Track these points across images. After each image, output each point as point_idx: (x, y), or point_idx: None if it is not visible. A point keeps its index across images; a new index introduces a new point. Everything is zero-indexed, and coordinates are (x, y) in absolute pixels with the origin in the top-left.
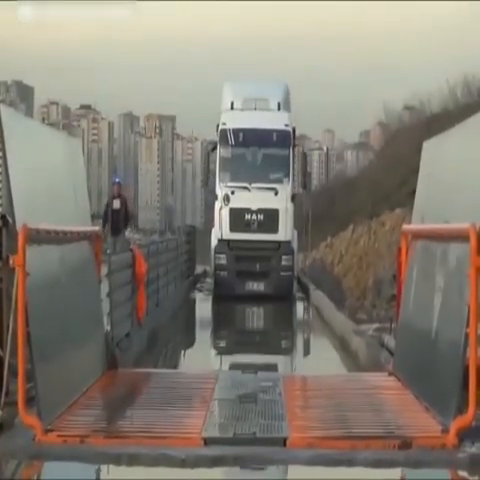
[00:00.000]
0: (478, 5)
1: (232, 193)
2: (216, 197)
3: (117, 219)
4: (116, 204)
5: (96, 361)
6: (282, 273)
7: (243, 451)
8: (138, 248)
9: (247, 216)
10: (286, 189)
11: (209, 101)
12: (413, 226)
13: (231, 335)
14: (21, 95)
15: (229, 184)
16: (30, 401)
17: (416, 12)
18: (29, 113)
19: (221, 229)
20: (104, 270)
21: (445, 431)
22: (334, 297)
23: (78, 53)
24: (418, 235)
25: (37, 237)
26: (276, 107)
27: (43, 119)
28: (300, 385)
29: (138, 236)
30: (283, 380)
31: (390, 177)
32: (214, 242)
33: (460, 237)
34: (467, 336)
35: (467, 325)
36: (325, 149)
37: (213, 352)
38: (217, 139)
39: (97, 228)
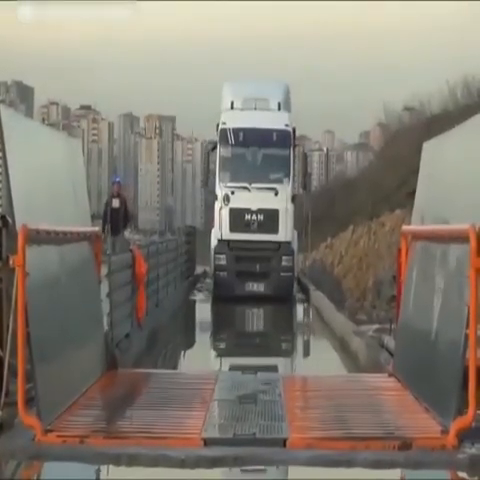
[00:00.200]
0: (478, 5)
1: (232, 193)
2: (216, 197)
3: (116, 218)
4: (115, 203)
5: (96, 361)
6: (282, 274)
7: (243, 452)
8: (138, 248)
9: (247, 216)
10: (286, 189)
11: (209, 101)
12: (413, 227)
13: (230, 337)
14: (21, 95)
15: (229, 184)
16: (30, 401)
17: (416, 12)
18: (29, 113)
19: (221, 229)
20: (104, 270)
21: (445, 432)
22: (334, 298)
23: (78, 53)
24: (418, 236)
25: (37, 237)
26: (276, 107)
27: (43, 119)
28: (300, 386)
29: (138, 236)
30: (283, 381)
31: (390, 178)
32: (214, 242)
33: (460, 238)
34: (467, 337)
35: (467, 326)
36: (325, 150)
37: (213, 354)
38: (217, 139)
39: (97, 228)
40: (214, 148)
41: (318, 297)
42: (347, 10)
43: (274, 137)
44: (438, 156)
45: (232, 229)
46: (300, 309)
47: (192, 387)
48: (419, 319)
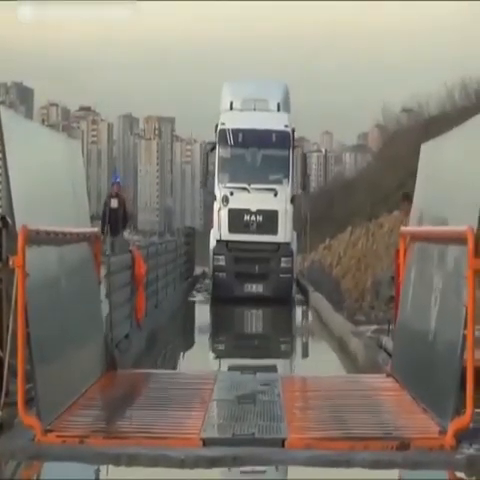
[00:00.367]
0: (478, 5)
1: (231, 194)
2: (215, 198)
3: (115, 219)
4: (114, 203)
5: (95, 362)
6: (281, 275)
7: (242, 452)
8: (137, 249)
9: (246, 217)
10: (285, 190)
11: (209, 101)
12: (411, 228)
13: (229, 338)
14: (21, 97)
15: (228, 185)
16: (30, 402)
17: (416, 12)
18: (29, 115)
19: (220, 230)
20: (104, 271)
21: (443, 432)
22: (332, 299)
23: (78, 53)
24: (416, 237)
25: (37, 238)
26: (276, 108)
27: (43, 121)
28: (298, 386)
29: (137, 237)
30: (281, 381)
31: (388, 179)
32: (213, 243)
33: (458, 239)
34: (465, 338)
35: (465, 327)
36: (323, 151)
37: (211, 355)
38: (216, 139)
39: (96, 229)
40: (213, 149)
41: (317, 298)
42: (347, 10)
43: (273, 138)
44: (436, 158)
45: (231, 230)
46: (299, 310)
47: (191, 387)
48: (417, 320)
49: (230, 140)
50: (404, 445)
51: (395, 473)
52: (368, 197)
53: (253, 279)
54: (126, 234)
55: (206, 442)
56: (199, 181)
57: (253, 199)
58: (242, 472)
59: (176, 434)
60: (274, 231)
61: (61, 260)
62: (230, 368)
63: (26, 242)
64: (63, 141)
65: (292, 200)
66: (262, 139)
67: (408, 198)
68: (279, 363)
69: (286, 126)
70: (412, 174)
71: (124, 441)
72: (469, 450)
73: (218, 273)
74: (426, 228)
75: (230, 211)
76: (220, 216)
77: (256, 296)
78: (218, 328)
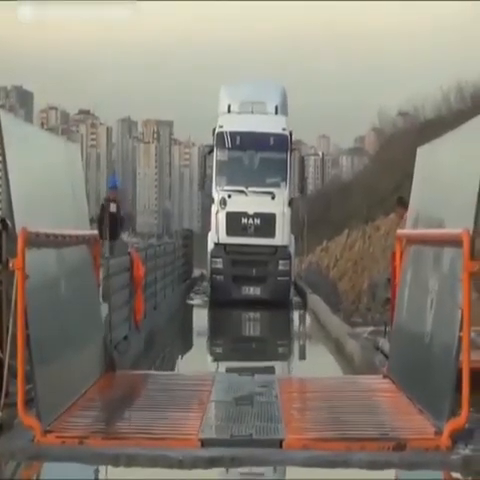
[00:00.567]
0: (479, 5)
1: (229, 197)
2: (213, 201)
3: (114, 223)
4: (113, 207)
5: (95, 363)
6: (279, 278)
7: (240, 452)
8: (136, 252)
9: (244, 220)
10: (283, 193)
11: (207, 104)
12: (407, 231)
13: (227, 340)
14: (21, 100)
15: (226, 188)
16: (29, 402)
17: (416, 12)
18: (28, 118)
19: (218, 233)
20: (103, 273)
21: (439, 433)
22: (330, 301)
23: (78, 53)
24: (412, 240)
25: (36, 240)
26: (273, 111)
27: (42, 124)
28: (296, 387)
29: (136, 240)
30: (279, 382)
31: (385, 182)
32: (210, 246)
33: (453, 242)
34: (460, 339)
35: (460, 329)
36: (320, 154)
37: (209, 358)
38: (214, 142)
39: (95, 232)
40: (211, 151)
41: (314, 300)
42: (347, 10)
43: (271, 141)
44: (432, 161)
45: (229, 233)
46: (296, 313)
47: (189, 388)
48: (413, 322)
49: (228, 143)
50: (400, 446)
51: (392, 473)
52: (365, 200)
53: (251, 282)
54: (125, 236)
55: (204, 443)
56: (197, 184)
57: (251, 202)
58: (242, 474)
59: (174, 435)
60: (272, 234)
61: (61, 262)
62: (228, 370)
63: (26, 244)
64: (62, 144)
65: (290, 203)
66: (260, 142)
67: (402, 203)
68: (277, 365)
69: (284, 129)
70: (408, 177)
71: (123, 442)
72: (465, 450)
73: (216, 276)
74: (422, 231)
75: (228, 214)
76: (218, 219)
77: (254, 299)
78: (216, 331)
